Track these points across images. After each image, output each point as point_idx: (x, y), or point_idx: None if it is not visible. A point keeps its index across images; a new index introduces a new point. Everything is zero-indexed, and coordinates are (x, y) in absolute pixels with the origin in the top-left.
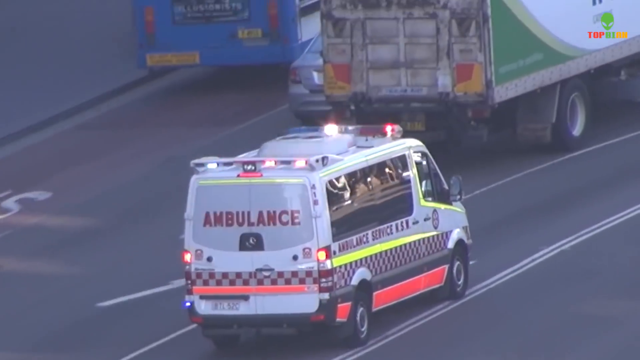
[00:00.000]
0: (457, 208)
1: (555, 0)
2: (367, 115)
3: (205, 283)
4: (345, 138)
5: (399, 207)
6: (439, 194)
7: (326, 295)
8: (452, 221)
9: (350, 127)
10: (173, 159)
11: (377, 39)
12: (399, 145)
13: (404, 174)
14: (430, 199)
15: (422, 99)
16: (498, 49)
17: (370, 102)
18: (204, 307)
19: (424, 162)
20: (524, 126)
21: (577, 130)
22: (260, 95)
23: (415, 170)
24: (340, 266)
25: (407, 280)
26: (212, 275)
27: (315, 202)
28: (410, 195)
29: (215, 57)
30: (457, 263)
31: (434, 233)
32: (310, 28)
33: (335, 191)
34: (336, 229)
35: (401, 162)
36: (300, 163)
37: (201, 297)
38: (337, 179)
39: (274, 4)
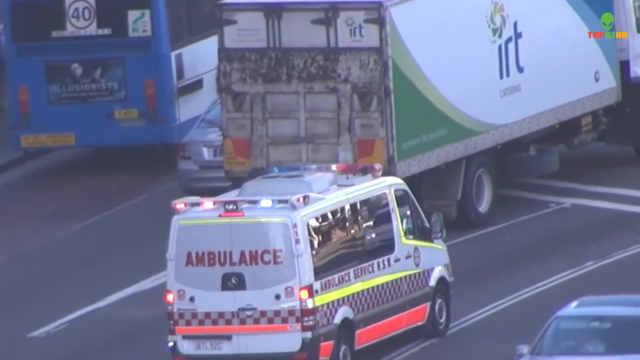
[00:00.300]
0: (439, 246)
1: (461, 75)
2: None
3: (188, 323)
4: (327, 176)
5: (380, 245)
6: (420, 232)
7: (309, 334)
8: (434, 259)
9: (331, 166)
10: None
11: (278, 113)
12: (380, 184)
13: (385, 212)
14: (411, 236)
15: None
16: (400, 124)
17: None
18: (186, 347)
19: (405, 200)
20: (429, 202)
21: (483, 207)
22: (146, 174)
23: (396, 208)
24: (322, 305)
25: (390, 319)
26: (194, 315)
27: (297, 241)
28: (391, 233)
29: (91, 138)
30: (439, 301)
31: (416, 271)
32: (189, 108)
33: (317, 230)
34: (318, 268)
35: (382, 200)
36: (281, 202)
37: (184, 337)
38: (319, 218)
39: (150, 84)
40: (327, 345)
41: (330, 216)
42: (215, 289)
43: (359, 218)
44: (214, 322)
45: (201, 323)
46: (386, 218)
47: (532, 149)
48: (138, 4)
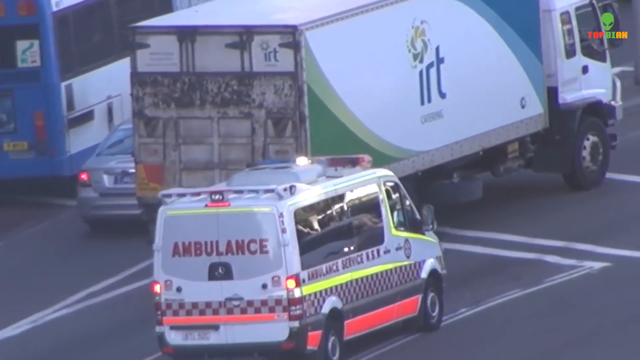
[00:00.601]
0: (430, 238)
1: (380, 100)
2: None
3: (175, 313)
4: (315, 168)
5: (369, 236)
6: (411, 224)
7: (296, 324)
8: (425, 251)
9: (320, 158)
10: None
11: (191, 138)
12: (369, 175)
13: (374, 203)
14: (402, 228)
15: None
16: (316, 150)
17: None
18: (174, 338)
19: (396, 192)
20: None
21: None
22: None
23: (386, 199)
24: (310, 294)
25: (380, 310)
26: (182, 305)
27: (284, 231)
28: (381, 224)
29: None
30: (431, 294)
31: (406, 262)
32: (80, 139)
33: (304, 220)
34: (305, 258)
35: (371, 191)
36: (267, 192)
37: (171, 328)
38: (306, 208)
39: (40, 115)
40: (315, 335)
41: (317, 206)
42: (202, 279)
43: (347, 209)
44: (202, 312)
45: (188, 313)
46: (375, 209)
47: (455, 176)
48: (27, 34)
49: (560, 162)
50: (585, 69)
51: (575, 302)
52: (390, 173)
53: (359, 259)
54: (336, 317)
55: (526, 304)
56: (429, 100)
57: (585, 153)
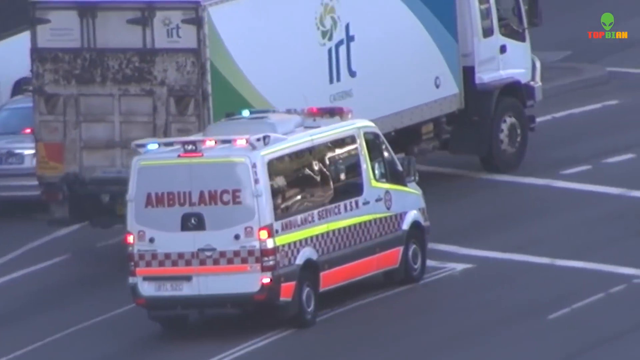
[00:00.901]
0: (413, 190)
1: (287, 78)
2: (80, 197)
3: (148, 264)
4: (293, 118)
5: (348, 187)
6: (392, 176)
7: (269, 275)
8: (407, 203)
9: (299, 109)
10: None
11: (92, 116)
12: (348, 126)
13: (353, 155)
14: (383, 180)
15: None
16: None
17: (83, 184)
18: (147, 289)
19: (376, 143)
20: None
21: None
22: None
23: (365, 150)
24: (283, 245)
25: (357, 261)
26: (154, 256)
27: (257, 181)
28: (360, 175)
29: None
30: (413, 246)
31: (387, 214)
32: None
33: (278, 170)
34: (279, 208)
35: (350, 142)
36: (241, 142)
37: (144, 279)
38: (280, 158)
39: None
40: (288, 286)
41: (292, 157)
42: (175, 230)
43: (325, 160)
44: (174, 263)
45: (161, 264)
46: (354, 160)
47: None
48: None
49: (476, 144)
50: (503, 49)
51: (437, 305)
52: (371, 124)
53: (336, 210)
54: (311, 269)
55: (387, 307)
56: (338, 79)
57: (503, 135)
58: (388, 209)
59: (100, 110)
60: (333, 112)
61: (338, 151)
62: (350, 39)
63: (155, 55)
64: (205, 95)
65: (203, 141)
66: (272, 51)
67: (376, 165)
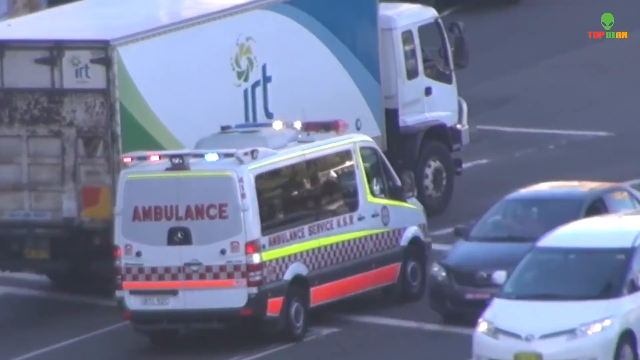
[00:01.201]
0: (413, 205)
1: (201, 120)
2: None
3: (135, 278)
4: (286, 132)
5: (341, 202)
6: (390, 191)
7: (254, 290)
8: (406, 219)
9: (294, 123)
10: None
11: None
12: (343, 140)
13: (348, 170)
14: (381, 195)
15: (46, 225)
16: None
17: None
18: (133, 302)
19: (373, 159)
20: None
21: None
22: None
23: (361, 165)
24: (270, 260)
25: (351, 277)
26: (141, 270)
27: (243, 196)
28: (355, 191)
29: None
30: (412, 262)
31: (384, 230)
32: None
33: (267, 185)
34: (267, 223)
35: (345, 157)
36: (228, 157)
37: (131, 292)
38: (269, 173)
39: None
40: (275, 302)
41: (282, 172)
42: (162, 244)
43: (317, 175)
44: (160, 277)
45: (148, 278)
46: (349, 176)
47: None
48: None
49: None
50: (428, 91)
51: None
52: (368, 138)
53: (328, 225)
54: (301, 284)
55: None
56: (254, 120)
57: (428, 180)
58: (385, 224)
59: (8, 152)
60: (328, 127)
61: (332, 166)
62: (267, 79)
63: (63, 95)
64: (115, 137)
65: (190, 155)
66: (185, 92)
67: (373, 181)
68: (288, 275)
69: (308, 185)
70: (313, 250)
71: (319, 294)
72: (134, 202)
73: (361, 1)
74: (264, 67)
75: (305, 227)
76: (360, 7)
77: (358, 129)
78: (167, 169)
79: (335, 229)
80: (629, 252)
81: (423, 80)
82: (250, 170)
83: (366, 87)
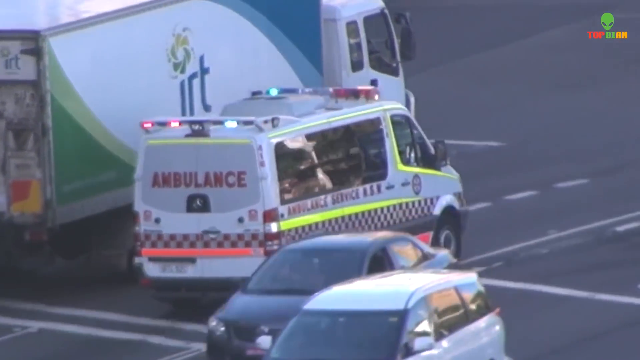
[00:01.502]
0: (449, 174)
1: (136, 112)
2: None
3: (154, 245)
4: (313, 100)
5: (369, 171)
6: (423, 159)
7: None
8: (440, 187)
9: (324, 89)
10: None
11: None
12: (373, 108)
13: (377, 138)
14: (413, 164)
15: None
16: (61, 165)
17: None
18: (152, 269)
19: (405, 126)
20: (98, 252)
21: None
22: None
23: (392, 133)
24: (289, 229)
25: None
26: (160, 237)
27: (262, 164)
28: (384, 159)
29: None
30: (445, 231)
31: (415, 199)
32: None
33: (288, 153)
34: (286, 192)
35: (374, 125)
36: (247, 124)
37: (150, 259)
38: (291, 141)
39: None
40: None
41: (306, 140)
42: (181, 211)
43: (343, 143)
44: (179, 245)
45: (166, 245)
46: (378, 144)
47: None
48: None
49: None
50: (374, 83)
51: None
52: (399, 106)
53: (353, 194)
54: None
55: None
56: (191, 113)
57: None
58: (417, 193)
59: None
60: (357, 94)
61: (359, 134)
62: (204, 71)
63: None
64: (45, 129)
65: (210, 121)
66: (118, 83)
67: (404, 149)
68: None
69: (333, 154)
70: (336, 219)
71: None
72: (153, 168)
73: None
74: (201, 59)
75: (329, 196)
76: None
77: None
78: (187, 135)
79: (361, 198)
80: (402, 315)
81: (369, 73)
82: (270, 138)
83: (308, 79)
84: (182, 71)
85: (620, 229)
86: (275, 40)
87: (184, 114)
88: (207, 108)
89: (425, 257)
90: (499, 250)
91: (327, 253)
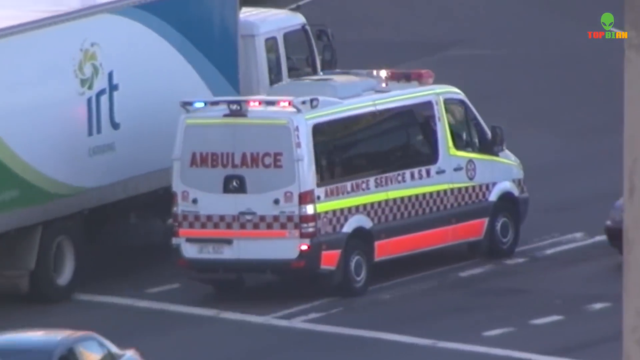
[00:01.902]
0: (507, 160)
1: (38, 129)
2: None
3: (191, 225)
4: (362, 82)
5: (417, 155)
6: (480, 145)
7: (307, 242)
8: (497, 173)
9: (381, 71)
10: None
11: None
12: (424, 92)
13: (427, 121)
14: (468, 149)
15: None
16: None
17: None
18: (189, 250)
19: (459, 110)
20: None
21: (63, 279)
22: None
23: (444, 117)
24: (326, 212)
25: (425, 232)
26: (197, 217)
27: (298, 145)
28: (435, 143)
29: None
30: (502, 218)
31: (468, 184)
32: None
33: (327, 135)
34: (324, 174)
35: (424, 108)
36: (284, 104)
37: (187, 240)
38: (330, 122)
39: None
40: (331, 254)
41: (346, 122)
42: (218, 192)
43: (389, 126)
44: (216, 226)
45: (203, 226)
46: (428, 127)
47: (132, 215)
48: None
49: None
50: None
51: None
52: (454, 89)
53: (399, 177)
54: (363, 237)
55: None
56: (99, 131)
57: None
58: (471, 178)
59: None
60: (410, 77)
61: (407, 117)
62: (113, 87)
63: None
64: None
65: (248, 101)
66: (21, 100)
67: (459, 133)
68: (347, 228)
69: (377, 137)
70: (379, 202)
71: (385, 248)
72: (192, 148)
73: (220, 7)
74: (110, 75)
75: (371, 179)
76: (219, 12)
77: None
78: (225, 115)
79: (408, 182)
80: None
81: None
82: (308, 120)
83: (222, 96)
84: (90, 87)
85: (463, 274)
86: (189, 56)
87: (90, 132)
88: (115, 126)
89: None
90: (337, 295)
91: (10, 354)
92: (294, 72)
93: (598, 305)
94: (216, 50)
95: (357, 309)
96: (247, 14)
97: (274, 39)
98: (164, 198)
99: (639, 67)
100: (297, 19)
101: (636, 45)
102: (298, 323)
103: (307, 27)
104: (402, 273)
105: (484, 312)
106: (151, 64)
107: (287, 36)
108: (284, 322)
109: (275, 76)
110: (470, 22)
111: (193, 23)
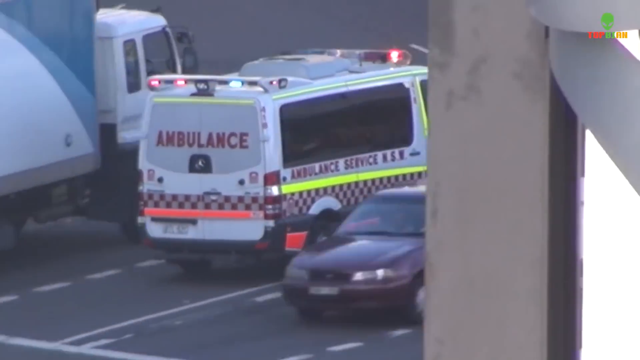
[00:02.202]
0: None
1: None
2: None
3: (156, 205)
4: (335, 62)
5: (391, 137)
6: None
7: (271, 223)
8: None
9: (355, 52)
10: None
11: None
12: (399, 72)
13: (401, 103)
14: None
15: None
16: None
17: None
18: (154, 230)
19: None
20: None
21: None
22: None
23: (420, 99)
24: (292, 194)
25: None
26: (162, 197)
27: (264, 126)
28: (410, 125)
29: None
30: None
31: None
32: None
33: (295, 115)
34: (292, 155)
35: (399, 89)
36: (252, 85)
37: (152, 219)
38: (299, 103)
39: None
40: (296, 236)
41: (315, 103)
42: (183, 171)
43: (361, 107)
44: (181, 205)
45: (168, 205)
46: (403, 109)
47: None
48: None
49: (117, 209)
50: None
51: None
52: None
53: (370, 159)
54: (332, 219)
55: None
56: None
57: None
58: None
59: None
60: (385, 58)
61: (381, 99)
62: None
63: None
64: None
65: (215, 81)
66: None
67: None
68: (314, 210)
69: (348, 118)
70: (349, 184)
71: None
72: (158, 127)
73: (75, 7)
74: None
75: (341, 161)
76: (74, 13)
77: (68, 145)
78: (192, 94)
79: (380, 164)
80: None
81: (147, 94)
82: (275, 100)
83: (78, 101)
84: None
85: (260, 299)
86: (41, 57)
87: None
88: None
89: None
90: (128, 321)
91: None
92: (153, 75)
93: (399, 332)
94: (70, 52)
95: (148, 335)
96: (105, 15)
97: (132, 41)
98: (18, 203)
99: (443, 87)
100: (157, 21)
101: (439, 64)
102: (87, 349)
103: (168, 30)
104: (195, 298)
105: (280, 339)
106: (5, 68)
107: (146, 38)
108: (73, 349)
109: (133, 79)
110: None
111: (46, 23)
